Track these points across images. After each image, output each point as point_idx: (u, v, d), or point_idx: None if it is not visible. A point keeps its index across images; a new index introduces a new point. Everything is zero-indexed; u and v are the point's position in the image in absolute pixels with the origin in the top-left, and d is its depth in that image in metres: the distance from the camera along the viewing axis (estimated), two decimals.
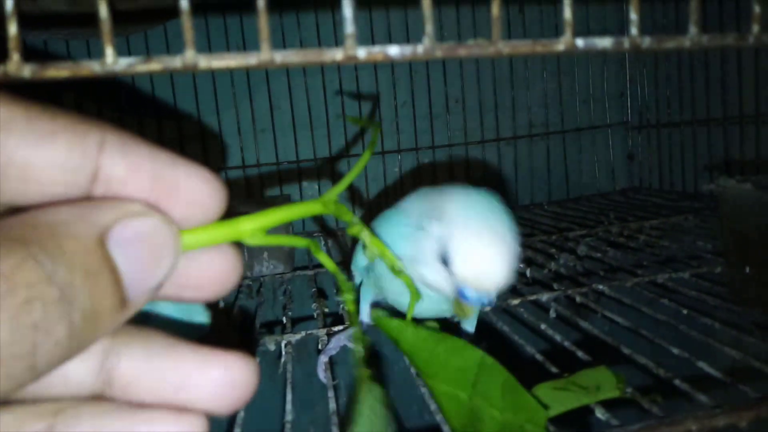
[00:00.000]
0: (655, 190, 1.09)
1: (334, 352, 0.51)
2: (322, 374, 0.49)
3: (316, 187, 1.04)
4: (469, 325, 0.50)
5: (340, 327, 0.56)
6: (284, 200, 0.86)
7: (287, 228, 0.79)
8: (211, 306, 0.57)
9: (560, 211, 1.03)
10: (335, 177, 1.04)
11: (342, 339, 0.52)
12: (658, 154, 1.08)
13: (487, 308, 0.36)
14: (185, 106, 0.98)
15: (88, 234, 0.16)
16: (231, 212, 0.20)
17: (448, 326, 0.45)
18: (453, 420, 0.33)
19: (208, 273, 0.19)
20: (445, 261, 0.36)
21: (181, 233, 0.18)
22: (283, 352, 0.54)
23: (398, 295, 0.44)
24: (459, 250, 0.35)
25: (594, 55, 1.12)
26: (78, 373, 0.17)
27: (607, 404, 0.37)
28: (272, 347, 0.56)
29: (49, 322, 0.14)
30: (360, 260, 0.50)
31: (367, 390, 0.29)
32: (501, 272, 0.35)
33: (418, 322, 0.34)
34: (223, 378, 0.18)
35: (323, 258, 0.24)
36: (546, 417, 0.32)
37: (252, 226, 0.20)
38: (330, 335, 0.55)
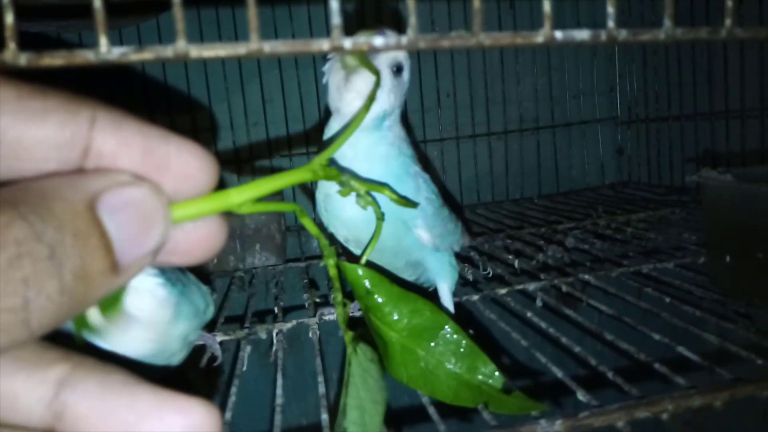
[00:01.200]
0: (644, 184, 1.11)
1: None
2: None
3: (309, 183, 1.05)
4: (448, 303, 0.52)
5: (332, 315, 0.57)
6: (277, 193, 0.87)
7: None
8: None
9: (550, 204, 1.04)
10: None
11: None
12: (647, 148, 1.09)
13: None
14: (178, 100, 0.99)
15: (78, 199, 0.16)
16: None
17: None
18: (401, 370, 0.34)
19: (195, 238, 0.20)
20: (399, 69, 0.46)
21: (171, 206, 0.18)
22: (275, 341, 0.55)
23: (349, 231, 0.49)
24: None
25: (584, 51, 1.13)
26: (28, 400, 0.16)
27: (588, 386, 0.38)
28: (264, 336, 0.57)
29: (40, 277, 0.14)
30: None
31: (356, 352, 0.30)
32: None
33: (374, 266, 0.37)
34: (180, 425, 0.17)
35: (307, 222, 0.25)
36: (503, 380, 0.34)
37: (241, 198, 0.20)
38: (320, 323, 0.56)
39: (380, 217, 0.31)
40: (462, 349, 0.35)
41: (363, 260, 0.34)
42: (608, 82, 1.16)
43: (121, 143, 0.17)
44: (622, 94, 1.15)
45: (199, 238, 0.20)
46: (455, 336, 0.35)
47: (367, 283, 0.34)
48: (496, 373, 0.35)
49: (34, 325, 0.15)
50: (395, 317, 0.34)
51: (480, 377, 0.35)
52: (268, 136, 1.02)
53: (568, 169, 1.16)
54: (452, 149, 1.09)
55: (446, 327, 0.35)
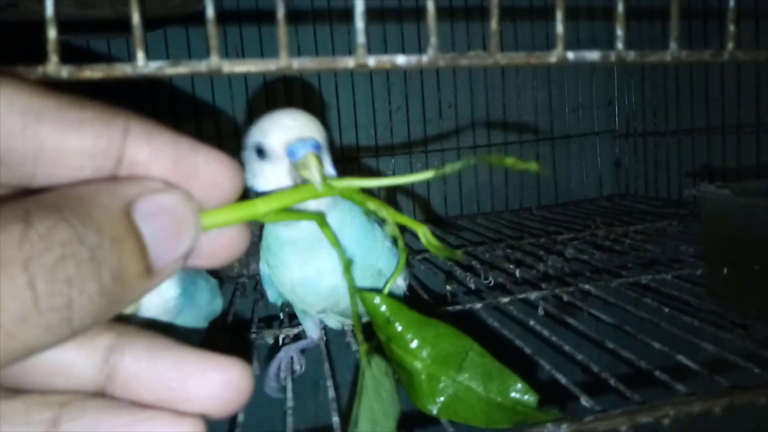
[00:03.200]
0: (641, 196, 1.12)
1: (282, 364, 0.52)
2: (273, 385, 0.50)
3: None
4: (402, 280, 0.51)
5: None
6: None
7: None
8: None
9: (549, 215, 1.06)
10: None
11: (291, 350, 0.53)
12: (644, 161, 1.11)
13: (315, 154, 0.36)
14: (204, 107, 1.00)
15: (115, 204, 0.17)
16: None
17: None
18: (430, 400, 0.34)
19: (219, 242, 0.20)
20: (260, 150, 0.40)
21: (201, 213, 0.19)
22: (281, 345, 0.57)
23: (294, 286, 0.46)
24: (262, 124, 0.40)
25: (583, 65, 1.15)
26: (82, 366, 0.18)
27: (590, 392, 0.39)
28: (270, 340, 0.58)
29: (82, 278, 0.15)
30: (263, 267, 0.50)
31: (369, 364, 0.30)
32: (302, 117, 0.39)
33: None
34: (220, 381, 0.18)
35: (327, 232, 0.26)
36: (537, 396, 0.34)
37: (267, 208, 0.21)
38: (326, 327, 0.57)
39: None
40: (490, 371, 0.34)
41: (386, 290, 0.34)
42: (607, 96, 1.18)
43: (153, 153, 0.18)
44: (620, 108, 1.17)
45: (222, 242, 0.21)
46: (482, 359, 0.34)
47: (386, 312, 0.33)
48: (529, 392, 0.34)
49: (76, 324, 0.15)
50: (418, 345, 0.33)
51: (513, 396, 0.34)
52: None
53: (566, 180, 1.18)
54: (453, 160, 1.11)
55: (471, 350, 0.34)
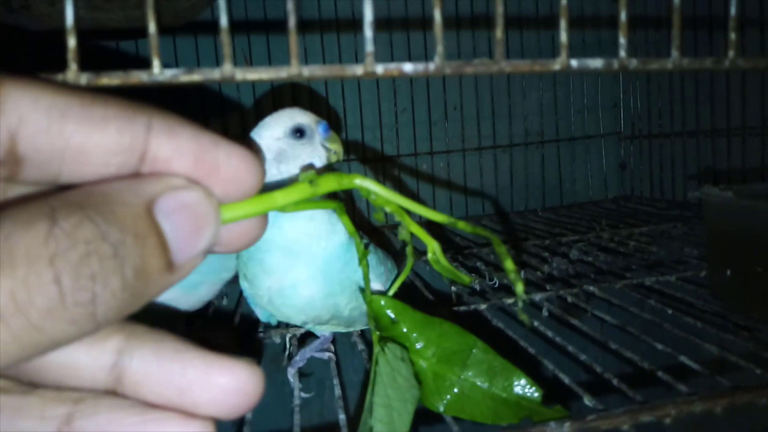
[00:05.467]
0: (646, 198, 1.13)
1: (301, 365, 0.53)
2: (293, 384, 0.50)
3: None
4: (380, 285, 0.50)
5: None
6: None
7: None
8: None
9: (554, 217, 1.06)
10: None
11: (308, 352, 0.54)
12: (649, 163, 1.12)
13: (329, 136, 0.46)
14: (230, 102, 1.02)
15: (137, 202, 0.17)
16: None
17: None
18: (436, 398, 0.34)
19: (238, 230, 0.21)
20: (300, 131, 0.45)
21: (221, 207, 0.19)
22: (288, 344, 0.57)
23: (271, 296, 0.45)
24: (286, 113, 0.46)
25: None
26: (92, 368, 0.18)
27: (593, 392, 0.40)
28: (278, 340, 0.58)
29: (106, 274, 0.16)
30: (244, 284, 0.48)
31: (384, 351, 0.31)
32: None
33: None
34: (227, 385, 0.18)
35: (346, 221, 0.26)
36: (541, 391, 0.35)
37: (286, 201, 0.21)
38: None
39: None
40: (494, 367, 0.35)
41: (391, 292, 0.35)
42: (612, 98, 1.18)
43: (176, 149, 0.18)
44: (625, 110, 1.17)
45: (241, 231, 0.21)
46: (486, 355, 0.35)
47: (390, 314, 0.34)
48: (534, 387, 0.35)
49: (100, 318, 0.16)
50: (423, 345, 0.34)
51: (517, 392, 0.35)
52: None
53: (571, 182, 1.18)
54: (458, 161, 1.12)
55: (475, 347, 0.35)
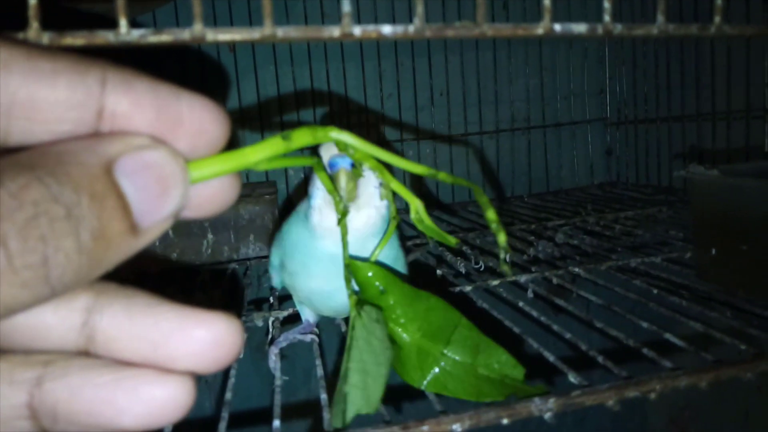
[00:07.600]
0: (632, 184, 1.13)
1: (284, 344, 0.52)
2: (273, 364, 0.50)
3: (302, 175, 1.06)
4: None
5: None
6: (270, 185, 0.87)
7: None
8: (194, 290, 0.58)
9: (540, 203, 1.06)
10: None
11: (291, 334, 0.53)
12: (635, 149, 1.11)
13: (346, 170, 0.39)
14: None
15: (94, 162, 0.16)
16: None
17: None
18: (418, 374, 0.34)
19: (208, 192, 0.20)
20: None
21: (189, 165, 0.18)
22: (271, 328, 0.56)
23: (311, 293, 0.46)
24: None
25: (575, 52, 1.15)
26: (61, 329, 0.18)
27: (578, 369, 0.39)
28: (260, 323, 0.58)
29: (57, 236, 0.15)
30: (275, 258, 0.50)
31: (360, 315, 0.30)
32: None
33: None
34: (204, 337, 0.18)
35: (322, 176, 0.25)
36: (523, 370, 0.34)
37: (258, 157, 0.20)
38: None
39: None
40: (478, 344, 0.34)
41: (374, 258, 0.34)
42: (598, 84, 1.18)
43: (134, 103, 0.18)
44: (611, 96, 1.17)
45: (211, 192, 0.20)
46: (470, 332, 0.34)
47: (378, 285, 0.33)
48: (515, 364, 0.34)
49: (55, 282, 0.15)
50: (409, 318, 0.33)
51: (500, 370, 0.34)
52: (262, 132, 1.03)
53: (557, 168, 1.18)
54: (445, 147, 1.11)
55: (460, 324, 0.34)
